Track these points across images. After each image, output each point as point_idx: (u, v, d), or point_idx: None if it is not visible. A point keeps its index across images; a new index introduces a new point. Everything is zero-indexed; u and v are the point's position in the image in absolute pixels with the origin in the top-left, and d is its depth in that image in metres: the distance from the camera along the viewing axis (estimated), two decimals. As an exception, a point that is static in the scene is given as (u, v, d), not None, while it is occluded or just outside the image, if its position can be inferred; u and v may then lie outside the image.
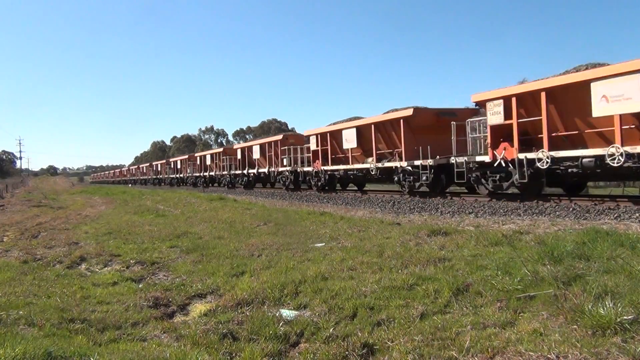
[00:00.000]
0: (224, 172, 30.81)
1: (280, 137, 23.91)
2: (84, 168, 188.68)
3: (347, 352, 3.57)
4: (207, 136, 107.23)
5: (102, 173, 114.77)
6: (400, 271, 5.43)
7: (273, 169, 24.04)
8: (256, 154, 26.01)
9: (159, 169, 52.08)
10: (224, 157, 31.07)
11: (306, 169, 20.89)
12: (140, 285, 6.37)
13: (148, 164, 60.60)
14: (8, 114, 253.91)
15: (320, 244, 7.76)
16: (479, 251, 5.99)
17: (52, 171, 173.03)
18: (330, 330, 4.04)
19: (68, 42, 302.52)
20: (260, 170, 25.77)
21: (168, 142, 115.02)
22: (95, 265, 7.83)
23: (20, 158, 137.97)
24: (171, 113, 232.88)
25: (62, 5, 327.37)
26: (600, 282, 4.03)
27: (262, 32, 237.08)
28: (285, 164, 22.39)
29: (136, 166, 71.33)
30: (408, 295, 4.65)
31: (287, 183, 22.79)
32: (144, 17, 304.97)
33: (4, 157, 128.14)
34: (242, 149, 28.65)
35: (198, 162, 37.72)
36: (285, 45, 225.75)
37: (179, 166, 43.60)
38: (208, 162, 34.84)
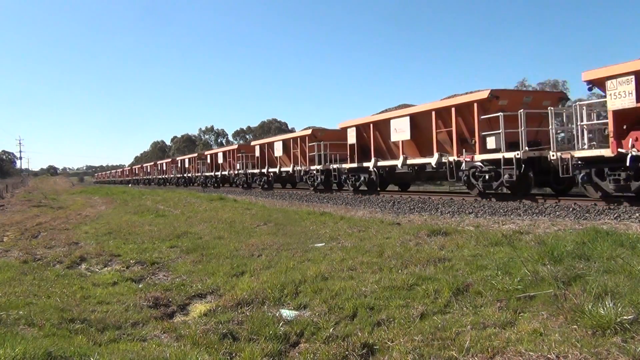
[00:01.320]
0: (312, 167, 20.68)
1: (482, 94, 12.29)
2: (84, 168, 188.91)
3: (347, 352, 3.57)
4: (207, 136, 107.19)
5: (107, 172, 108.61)
6: (400, 271, 5.43)
7: (455, 158, 13.23)
8: (401, 134, 15.13)
9: (187, 165, 40.97)
10: (313, 144, 20.17)
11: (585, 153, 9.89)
12: (140, 285, 6.37)
13: (170, 160, 48.70)
14: (8, 114, 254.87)
15: (320, 244, 7.76)
16: (479, 251, 5.99)
17: (52, 171, 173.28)
18: (330, 330, 4.04)
19: (68, 42, 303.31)
20: (413, 162, 15.03)
21: (168, 142, 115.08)
22: (95, 265, 7.83)
23: (20, 158, 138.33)
24: (171, 113, 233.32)
25: (62, 5, 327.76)
26: (600, 282, 4.03)
27: (262, 32, 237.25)
28: (490, 146, 12.04)
29: (152, 163, 58.97)
30: (408, 295, 4.65)
31: (488, 184, 12.25)
32: (144, 17, 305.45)
33: (4, 157, 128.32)
34: (359, 128, 17.66)
35: (257, 154, 26.47)
36: (285, 45, 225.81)
37: (220, 160, 32.39)
38: (278, 153, 23.61)
